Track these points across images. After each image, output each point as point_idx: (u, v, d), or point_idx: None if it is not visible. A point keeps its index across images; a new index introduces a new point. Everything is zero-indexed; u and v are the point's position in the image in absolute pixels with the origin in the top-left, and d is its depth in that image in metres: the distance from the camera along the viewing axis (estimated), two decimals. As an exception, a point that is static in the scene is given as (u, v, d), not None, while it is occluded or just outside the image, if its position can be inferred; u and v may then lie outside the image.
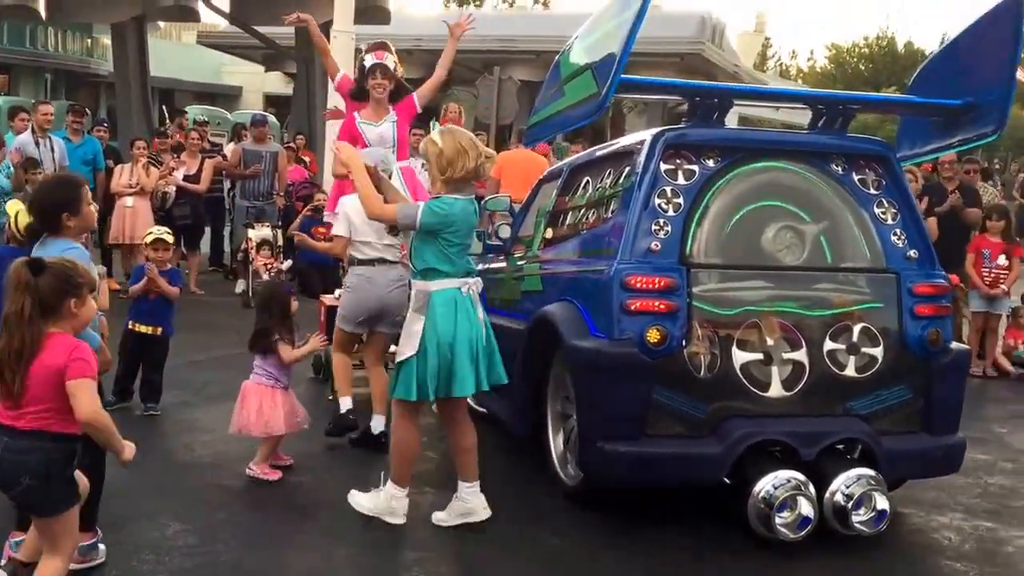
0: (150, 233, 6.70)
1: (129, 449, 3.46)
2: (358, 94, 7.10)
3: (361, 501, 4.82)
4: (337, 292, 7.87)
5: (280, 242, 12.14)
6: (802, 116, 5.64)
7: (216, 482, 5.29)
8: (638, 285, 4.59)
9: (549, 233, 5.86)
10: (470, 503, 4.77)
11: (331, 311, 7.55)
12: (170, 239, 6.62)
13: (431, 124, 12.12)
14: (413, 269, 4.67)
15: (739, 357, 4.65)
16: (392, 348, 6.90)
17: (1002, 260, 9.15)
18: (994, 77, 5.10)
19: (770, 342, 4.68)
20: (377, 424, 5.99)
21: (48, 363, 3.21)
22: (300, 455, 5.69)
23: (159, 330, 6.47)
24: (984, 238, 9.30)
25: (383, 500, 4.76)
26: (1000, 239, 9.23)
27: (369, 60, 6.93)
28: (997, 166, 24.18)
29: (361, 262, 5.96)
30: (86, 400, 3.24)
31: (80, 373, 3.23)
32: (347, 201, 5.92)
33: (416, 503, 4.88)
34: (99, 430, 3.31)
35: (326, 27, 16.45)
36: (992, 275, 9.17)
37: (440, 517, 4.78)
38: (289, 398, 5.49)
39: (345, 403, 6.16)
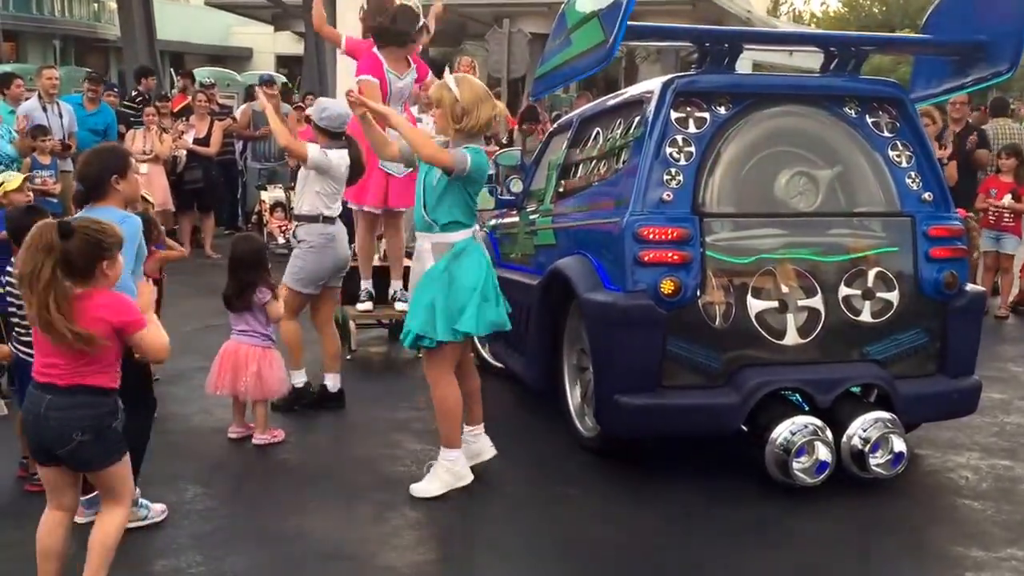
0: None
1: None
2: (388, 37, 6.64)
3: (426, 488, 4.56)
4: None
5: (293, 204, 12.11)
6: (815, 61, 5.56)
7: (233, 446, 5.33)
8: (651, 236, 4.56)
9: (561, 186, 5.82)
10: (476, 445, 4.82)
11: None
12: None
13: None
14: (432, 222, 4.54)
15: (754, 306, 4.63)
16: (401, 307, 6.83)
17: (1007, 200, 9.03)
18: (1008, 13, 5.02)
19: (785, 290, 4.66)
20: (333, 383, 5.95)
21: (93, 322, 3.20)
22: (286, 423, 5.63)
23: None
24: (996, 178, 9.22)
25: (443, 472, 4.58)
26: (1011, 179, 9.12)
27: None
28: (1013, 106, 23.63)
29: (328, 219, 5.78)
30: (154, 347, 3.36)
31: (136, 328, 3.29)
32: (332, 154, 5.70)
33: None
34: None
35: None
36: (996, 214, 9.09)
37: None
38: (280, 358, 5.42)
39: (300, 377, 5.90)
